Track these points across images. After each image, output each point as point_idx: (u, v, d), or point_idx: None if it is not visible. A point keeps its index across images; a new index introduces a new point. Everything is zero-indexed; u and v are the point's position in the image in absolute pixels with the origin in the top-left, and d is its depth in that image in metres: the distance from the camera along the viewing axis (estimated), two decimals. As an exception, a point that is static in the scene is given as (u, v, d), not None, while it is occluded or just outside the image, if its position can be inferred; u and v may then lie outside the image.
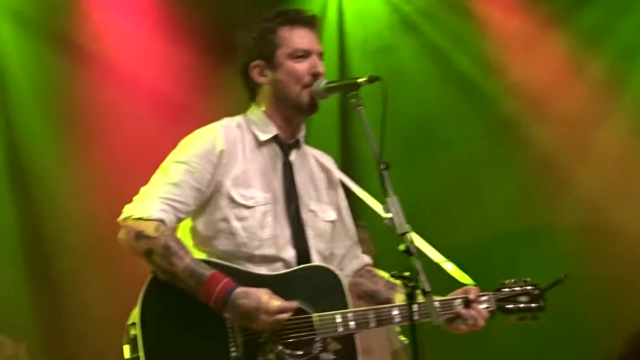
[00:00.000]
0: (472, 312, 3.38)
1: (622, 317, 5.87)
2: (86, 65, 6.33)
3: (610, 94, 6.65)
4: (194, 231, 3.37)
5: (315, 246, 3.43)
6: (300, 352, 3.23)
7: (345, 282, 3.36)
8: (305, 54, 3.42)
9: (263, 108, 3.45)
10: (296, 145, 3.50)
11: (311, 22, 3.49)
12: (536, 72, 6.77)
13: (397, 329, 5.46)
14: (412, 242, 2.95)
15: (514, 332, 6.20)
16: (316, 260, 3.40)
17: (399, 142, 6.69)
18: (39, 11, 6.28)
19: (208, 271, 3.17)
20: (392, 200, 3.05)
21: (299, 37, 3.43)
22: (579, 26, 6.71)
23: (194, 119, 6.15)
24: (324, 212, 3.50)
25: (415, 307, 2.91)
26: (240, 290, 3.16)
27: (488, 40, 6.90)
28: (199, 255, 3.29)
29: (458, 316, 3.39)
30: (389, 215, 3.01)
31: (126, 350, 3.25)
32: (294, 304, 3.19)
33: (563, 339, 6.46)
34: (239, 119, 3.48)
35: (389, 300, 3.44)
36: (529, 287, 3.52)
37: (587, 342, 6.29)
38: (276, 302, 3.16)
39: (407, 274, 2.93)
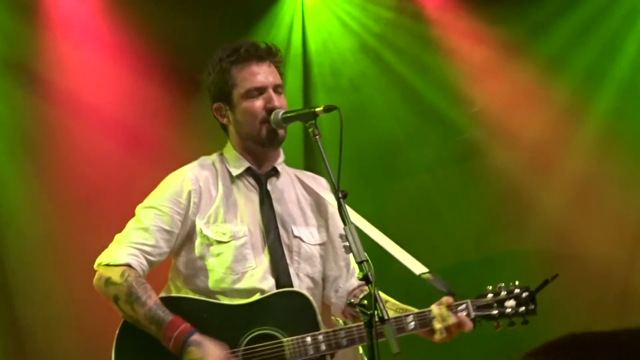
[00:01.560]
0: (451, 318, 3.33)
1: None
2: (49, 97, 6.29)
3: (573, 120, 6.70)
4: (177, 271, 3.43)
5: (302, 271, 3.44)
6: None
7: (316, 304, 3.37)
8: (259, 91, 3.45)
9: (234, 144, 3.50)
10: (273, 174, 3.53)
11: (264, 55, 3.51)
12: (499, 99, 6.82)
13: (365, 358, 5.44)
14: (370, 269, 2.96)
15: (475, 351, 6.21)
16: (299, 285, 3.41)
17: (365, 170, 6.71)
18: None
19: (168, 316, 3.21)
20: (350, 228, 3.06)
21: (251, 75, 3.47)
22: (541, 53, 6.76)
23: (158, 151, 6.18)
24: (310, 236, 3.53)
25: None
26: (196, 338, 3.19)
27: (452, 69, 6.94)
28: (185, 293, 3.34)
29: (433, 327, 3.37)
30: (346, 243, 3.01)
31: None
32: None
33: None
34: (213, 157, 3.59)
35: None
36: (517, 291, 3.49)
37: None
38: None
39: (365, 302, 2.94)
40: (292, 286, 3.39)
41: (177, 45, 6.48)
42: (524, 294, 3.49)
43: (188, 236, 3.41)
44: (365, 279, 2.94)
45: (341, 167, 3.17)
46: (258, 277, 3.37)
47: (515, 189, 6.76)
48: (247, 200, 3.47)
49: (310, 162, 6.92)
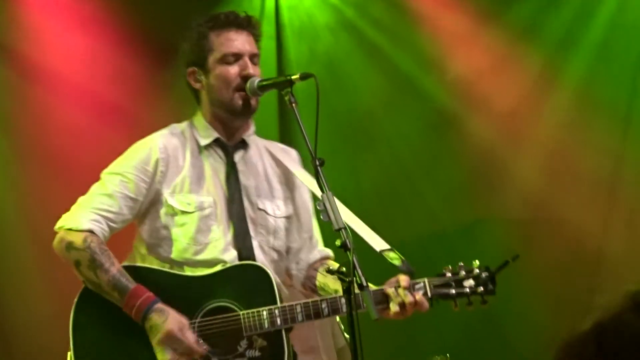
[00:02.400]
0: (408, 297, 3.34)
1: (564, 308, 5.93)
2: (19, 68, 6.23)
3: (546, 86, 6.72)
4: (139, 239, 3.42)
5: (266, 244, 3.44)
6: (225, 350, 3.24)
7: (274, 278, 3.38)
8: (235, 58, 3.44)
9: (204, 113, 3.48)
10: (242, 145, 3.52)
11: (243, 24, 3.51)
12: (473, 67, 6.82)
13: (342, 326, 5.47)
14: (348, 237, 2.96)
15: (455, 323, 6.26)
16: (262, 258, 3.41)
17: (339, 139, 6.71)
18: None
19: (131, 284, 3.21)
20: (327, 196, 3.06)
21: (229, 41, 3.46)
22: (514, 20, 6.76)
23: (131, 122, 6.14)
24: (276, 209, 3.52)
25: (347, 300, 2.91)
26: (159, 306, 3.18)
27: (425, 37, 6.93)
28: (148, 262, 3.33)
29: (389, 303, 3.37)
30: (324, 210, 3.02)
31: (68, 357, 3.29)
32: (199, 349, 3.19)
33: (504, 332, 6.52)
34: (183, 125, 3.56)
35: (337, 292, 3.45)
36: (476, 271, 3.46)
37: (529, 334, 6.35)
38: (180, 332, 3.16)
39: (343, 269, 2.94)
40: (254, 259, 3.39)
41: (149, 14, 6.43)
42: (484, 274, 3.46)
43: (152, 204, 3.40)
44: (343, 246, 2.94)
45: (317, 136, 3.16)
46: (220, 249, 3.37)
47: (489, 157, 6.78)
48: (213, 171, 3.45)
49: (285, 131, 6.91)
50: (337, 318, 5.51)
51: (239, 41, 3.44)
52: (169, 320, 3.14)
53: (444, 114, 6.96)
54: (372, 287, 3.28)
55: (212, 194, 3.39)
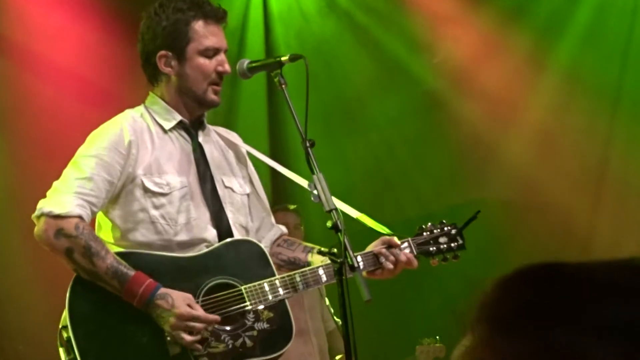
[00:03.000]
0: (401, 256, 3.41)
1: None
2: (6, 52, 6.20)
3: (534, 69, 6.73)
4: (110, 225, 3.34)
5: (237, 221, 3.43)
6: (235, 326, 3.24)
7: (267, 251, 3.38)
8: (214, 52, 3.41)
9: (164, 97, 3.43)
10: (201, 126, 3.50)
11: (222, 18, 3.48)
12: (461, 50, 6.82)
13: (332, 310, 5.48)
14: (339, 218, 2.96)
15: (444, 305, 6.28)
16: (238, 235, 3.40)
17: (328, 122, 6.71)
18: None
19: (131, 271, 3.15)
20: (318, 177, 3.05)
21: (211, 34, 3.42)
22: (502, 2, 6.77)
23: (118, 105, 6.10)
24: (239, 187, 3.51)
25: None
26: (162, 291, 3.15)
27: (413, 19, 6.93)
28: (117, 250, 3.27)
29: (381, 265, 3.40)
30: (315, 192, 3.01)
31: (62, 353, 3.23)
32: (210, 316, 3.17)
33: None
34: (141, 109, 3.47)
35: (309, 264, 3.46)
36: (446, 228, 3.59)
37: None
38: (190, 309, 3.15)
39: (335, 250, 2.94)
40: (232, 236, 3.38)
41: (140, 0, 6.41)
42: (453, 231, 3.59)
43: (124, 187, 3.32)
44: (334, 227, 2.94)
45: (307, 117, 3.15)
46: (201, 228, 3.34)
47: (478, 139, 6.79)
48: (182, 152, 3.42)
49: (274, 113, 6.91)
50: (327, 302, 5.53)
51: (219, 36, 3.41)
52: (176, 303, 3.11)
53: (433, 97, 6.97)
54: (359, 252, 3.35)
55: (185, 173, 3.37)
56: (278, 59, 3.29)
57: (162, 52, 3.40)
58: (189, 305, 3.15)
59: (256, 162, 3.67)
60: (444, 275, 5.81)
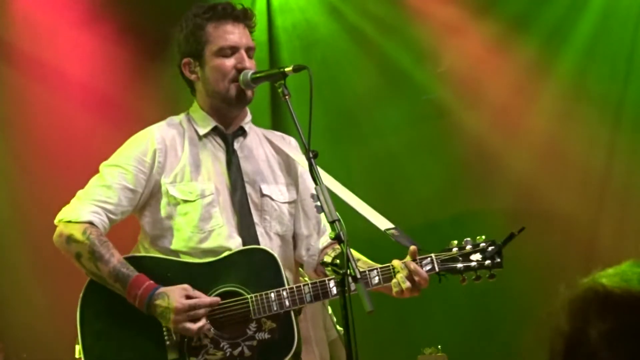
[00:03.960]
0: (414, 273, 3.26)
1: (555, 300, 5.95)
2: (13, 60, 6.24)
3: (538, 79, 6.73)
4: (144, 232, 3.42)
5: (270, 229, 3.44)
6: (235, 334, 3.25)
7: (280, 261, 3.37)
8: (232, 50, 3.44)
9: (200, 103, 3.48)
10: (241, 133, 3.52)
11: (240, 17, 3.50)
12: (465, 59, 6.83)
13: (334, 319, 5.48)
14: (342, 229, 2.95)
15: (447, 315, 6.28)
16: (269, 245, 3.40)
17: (331, 130, 6.72)
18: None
19: (132, 274, 3.21)
20: (321, 188, 3.05)
21: (226, 33, 3.45)
22: (506, 11, 6.77)
23: (123, 113, 6.14)
24: (280, 194, 3.52)
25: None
26: (160, 291, 3.19)
27: (417, 28, 6.93)
28: (153, 254, 3.34)
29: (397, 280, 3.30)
30: (317, 203, 3.01)
31: (77, 350, 3.32)
32: (208, 299, 3.20)
33: (495, 324, 6.54)
34: (181, 116, 3.52)
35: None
36: (482, 244, 3.38)
37: (519, 327, 6.37)
38: (185, 300, 3.17)
39: (337, 261, 2.94)
40: (258, 244, 3.38)
41: (144, 9, 6.43)
42: (490, 247, 3.36)
43: (152, 196, 3.39)
44: (337, 238, 2.93)
45: (311, 128, 3.15)
46: (224, 236, 3.35)
47: (481, 148, 6.79)
48: (214, 159, 3.45)
49: (278, 123, 6.91)
50: (330, 310, 5.52)
51: (236, 34, 3.43)
52: (172, 299, 3.14)
53: (437, 106, 6.97)
54: (366, 262, 3.32)
55: (214, 181, 3.39)
56: (282, 69, 3.30)
57: (185, 60, 3.49)
58: (187, 296, 3.18)
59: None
60: (447, 285, 5.79)
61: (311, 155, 3.13)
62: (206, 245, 3.35)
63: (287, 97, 3.24)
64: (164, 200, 3.38)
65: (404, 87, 6.99)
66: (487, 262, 3.35)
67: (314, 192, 3.06)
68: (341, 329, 5.37)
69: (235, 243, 3.37)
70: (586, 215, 6.54)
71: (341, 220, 3.00)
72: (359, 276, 2.89)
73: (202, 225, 3.35)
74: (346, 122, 7.02)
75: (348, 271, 2.88)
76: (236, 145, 3.51)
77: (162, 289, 3.21)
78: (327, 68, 6.84)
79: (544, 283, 6.42)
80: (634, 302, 1.20)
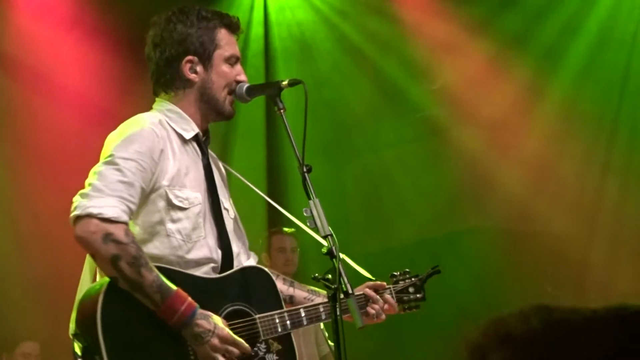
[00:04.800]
0: (387, 303, 3.48)
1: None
2: (10, 71, 6.24)
3: (533, 97, 6.75)
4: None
5: (235, 244, 3.41)
6: (247, 355, 3.22)
7: (276, 282, 3.36)
8: (235, 61, 3.42)
9: (180, 104, 3.37)
10: (207, 143, 3.47)
11: (238, 29, 3.50)
12: (461, 77, 6.84)
13: (326, 334, 5.47)
14: (334, 244, 2.95)
15: (439, 332, 6.27)
16: (244, 259, 3.39)
17: (325, 146, 6.71)
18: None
19: (173, 287, 3.06)
20: (315, 202, 3.04)
21: (232, 43, 3.44)
22: (502, 31, 6.79)
23: (116, 121, 6.13)
24: (232, 209, 3.48)
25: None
26: (203, 312, 3.10)
27: (413, 46, 6.95)
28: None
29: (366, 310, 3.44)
30: (311, 217, 3.00)
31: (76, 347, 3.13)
32: (247, 345, 3.16)
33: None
34: (158, 115, 3.33)
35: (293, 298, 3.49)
36: (413, 279, 3.62)
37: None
38: (231, 333, 3.12)
39: (329, 276, 2.93)
40: (232, 259, 3.35)
41: (141, 19, 6.42)
42: (418, 282, 3.64)
43: (149, 197, 3.26)
44: (329, 253, 2.93)
45: (305, 143, 3.14)
46: (210, 247, 3.30)
47: (475, 166, 6.80)
48: (196, 166, 3.39)
49: (272, 136, 6.92)
50: (322, 325, 5.52)
51: (237, 46, 3.45)
52: (218, 325, 3.08)
53: (431, 123, 6.98)
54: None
55: (199, 189, 3.33)
56: (277, 83, 3.29)
57: (189, 58, 3.32)
58: (229, 331, 3.13)
59: (248, 184, 3.64)
60: (438, 302, 5.78)
61: (305, 169, 3.11)
62: (191, 255, 3.26)
63: (282, 110, 3.23)
64: (160, 204, 3.20)
65: (399, 104, 7.00)
66: (419, 295, 3.62)
67: (306, 207, 3.05)
68: (333, 344, 5.37)
69: (217, 255, 3.32)
70: (579, 234, 6.55)
71: (333, 235, 2.99)
72: (350, 291, 2.88)
73: (191, 235, 3.28)
74: (341, 138, 7.03)
75: (340, 285, 2.87)
76: (209, 155, 3.48)
77: (205, 311, 3.12)
78: (323, 84, 6.85)
79: (536, 299, 6.42)
80: (531, 336, 1.28)
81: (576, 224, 6.56)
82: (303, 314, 3.30)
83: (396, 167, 7.00)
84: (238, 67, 3.40)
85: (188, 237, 3.24)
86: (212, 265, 3.29)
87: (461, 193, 6.91)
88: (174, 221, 3.23)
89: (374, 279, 3.54)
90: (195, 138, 3.37)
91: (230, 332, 3.10)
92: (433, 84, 7.00)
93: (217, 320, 3.09)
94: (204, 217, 3.30)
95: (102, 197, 3.06)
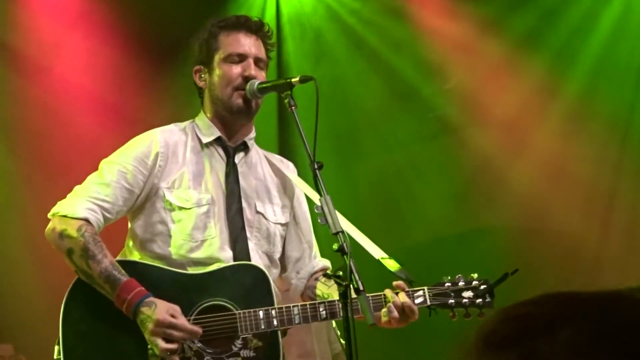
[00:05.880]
0: (404, 305, 3.28)
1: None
2: (19, 67, 6.25)
3: (545, 97, 6.72)
4: (133, 235, 3.38)
5: (261, 247, 3.42)
6: (220, 349, 3.22)
7: (271, 279, 3.36)
8: (240, 58, 3.45)
9: (207, 112, 3.48)
10: (243, 148, 3.51)
11: (253, 28, 3.52)
12: (473, 76, 6.83)
13: (338, 332, 5.46)
14: (345, 241, 2.94)
15: (452, 333, 6.25)
16: (258, 261, 3.39)
17: (337, 145, 6.71)
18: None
19: (123, 277, 3.17)
20: (326, 199, 3.04)
21: (236, 42, 3.47)
22: (515, 30, 6.77)
23: (129, 121, 6.15)
24: (273, 214, 3.50)
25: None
26: (149, 299, 3.15)
27: (425, 45, 6.94)
28: (144, 259, 3.30)
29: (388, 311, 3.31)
30: (322, 214, 3.00)
31: (56, 350, 3.26)
32: (190, 326, 3.15)
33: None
34: (186, 123, 3.52)
35: (329, 296, 3.44)
36: (475, 282, 3.41)
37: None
38: (169, 317, 3.13)
39: (340, 273, 2.92)
40: (249, 260, 3.36)
41: (150, 15, 6.45)
42: (483, 286, 3.40)
43: (148, 198, 3.36)
44: (340, 250, 2.93)
45: (316, 140, 3.14)
46: (216, 247, 3.34)
47: (488, 166, 6.78)
48: (214, 169, 3.44)
49: (284, 134, 6.92)
50: (334, 324, 5.51)
51: (246, 43, 3.45)
52: (157, 309, 3.09)
53: (444, 122, 6.97)
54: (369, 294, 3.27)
55: (211, 191, 3.37)
56: (288, 80, 3.31)
57: (196, 67, 3.52)
58: (172, 315, 3.15)
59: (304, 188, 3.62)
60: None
61: (316, 166, 3.12)
62: (197, 254, 3.33)
63: (293, 108, 3.25)
64: (159, 205, 3.35)
65: (411, 104, 6.99)
66: (479, 300, 3.40)
67: (317, 204, 3.05)
68: (344, 341, 5.36)
69: (226, 256, 3.35)
70: (592, 234, 6.52)
71: (345, 232, 2.99)
72: (361, 288, 2.88)
73: (195, 234, 3.34)
74: (352, 137, 7.02)
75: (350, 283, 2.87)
76: (237, 159, 3.50)
77: (152, 298, 3.17)
78: (335, 82, 6.84)
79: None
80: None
81: (589, 223, 6.54)
82: (296, 312, 3.29)
83: (409, 166, 6.99)
84: (245, 63, 3.44)
85: (191, 237, 3.32)
86: (217, 265, 3.32)
87: (474, 192, 6.89)
88: (175, 221, 3.33)
89: (406, 279, 3.37)
90: (220, 143, 3.44)
91: (170, 317, 3.12)
92: (446, 83, 6.99)
93: (161, 306, 3.13)
94: (213, 217, 3.34)
95: (72, 198, 3.29)
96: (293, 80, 3.29)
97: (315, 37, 7.13)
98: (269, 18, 7.14)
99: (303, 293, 3.57)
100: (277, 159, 3.67)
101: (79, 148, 5.97)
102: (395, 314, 3.26)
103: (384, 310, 3.26)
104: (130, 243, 3.41)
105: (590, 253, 6.49)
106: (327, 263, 3.63)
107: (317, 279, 3.57)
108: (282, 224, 3.54)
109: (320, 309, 3.28)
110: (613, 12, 6.65)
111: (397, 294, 3.29)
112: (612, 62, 6.63)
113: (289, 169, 3.65)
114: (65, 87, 6.31)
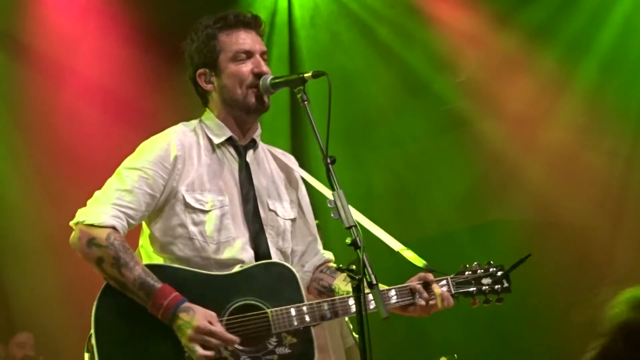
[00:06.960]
0: (436, 292, 3.30)
1: (573, 310, 5.93)
2: (35, 64, 6.29)
3: (557, 90, 6.72)
4: (152, 238, 3.36)
5: (276, 245, 3.42)
6: (256, 348, 3.22)
7: (299, 277, 3.36)
8: (247, 55, 3.42)
9: (215, 113, 3.45)
10: (252, 145, 3.50)
11: (251, 24, 3.49)
12: (485, 69, 6.83)
13: (350, 326, 5.48)
14: (358, 235, 2.95)
15: (463, 324, 6.27)
16: (276, 258, 3.39)
17: (350, 139, 6.72)
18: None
19: (158, 284, 3.15)
20: (338, 194, 3.05)
21: (239, 39, 3.43)
22: (527, 23, 6.77)
23: (142, 117, 6.17)
24: (284, 211, 3.49)
25: (368, 297, 2.91)
26: (186, 305, 3.15)
27: (437, 38, 6.95)
28: (158, 260, 3.30)
29: (414, 302, 3.34)
30: (335, 208, 3.01)
31: (86, 358, 3.23)
32: (228, 335, 3.16)
33: (511, 333, 6.52)
34: (194, 123, 3.47)
35: (347, 293, 3.44)
36: (492, 269, 3.45)
37: (536, 336, 6.35)
38: (208, 324, 3.14)
39: (353, 267, 2.93)
40: (270, 258, 3.37)
41: (160, 12, 6.46)
42: (499, 273, 3.44)
43: (167, 201, 3.32)
44: (353, 244, 2.93)
45: (329, 134, 3.15)
46: (238, 248, 3.32)
47: (500, 159, 6.79)
48: (227, 169, 3.42)
49: (297, 128, 6.93)
50: (346, 318, 5.52)
51: (250, 40, 3.42)
52: (196, 316, 3.08)
53: (455, 116, 6.97)
54: (383, 286, 3.28)
55: (228, 192, 3.36)
56: (301, 75, 3.29)
57: (200, 71, 3.41)
58: (210, 322, 3.14)
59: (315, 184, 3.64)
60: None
61: (329, 160, 3.12)
62: (219, 256, 3.31)
63: (306, 102, 3.24)
64: (178, 208, 3.32)
65: (423, 97, 7.00)
66: (497, 286, 3.45)
67: (330, 199, 3.05)
68: (358, 336, 5.38)
69: (248, 255, 3.35)
70: (604, 226, 6.53)
71: (357, 226, 2.99)
72: (374, 282, 2.89)
73: (216, 236, 3.32)
74: (364, 129, 7.03)
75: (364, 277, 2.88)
76: (248, 158, 3.49)
77: (188, 304, 3.15)
78: (347, 76, 6.85)
79: (560, 293, 6.41)
80: None
81: (601, 216, 6.54)
82: (326, 307, 3.29)
83: (420, 159, 7.00)
84: (254, 60, 3.41)
85: (211, 239, 3.30)
86: (240, 265, 3.32)
87: (486, 185, 6.90)
88: (195, 224, 3.31)
89: (430, 269, 3.41)
90: (231, 142, 3.43)
91: (209, 324, 3.12)
92: (458, 76, 6.99)
93: (199, 312, 3.13)
94: (232, 218, 3.34)
95: (95, 205, 3.25)
96: (305, 75, 3.27)
97: (327, 31, 7.14)
98: (281, 12, 7.16)
99: (309, 286, 3.57)
100: (279, 152, 3.66)
101: (93, 142, 6.01)
102: (422, 302, 3.30)
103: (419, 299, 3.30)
104: (149, 246, 3.38)
105: (602, 245, 6.49)
106: (330, 255, 3.64)
107: (322, 271, 3.58)
108: (291, 220, 3.54)
109: (350, 303, 3.28)
110: (624, 5, 6.65)
111: (423, 284, 3.32)
112: (623, 55, 6.63)
113: (291, 162, 3.65)
114: (75, 80, 6.34)
